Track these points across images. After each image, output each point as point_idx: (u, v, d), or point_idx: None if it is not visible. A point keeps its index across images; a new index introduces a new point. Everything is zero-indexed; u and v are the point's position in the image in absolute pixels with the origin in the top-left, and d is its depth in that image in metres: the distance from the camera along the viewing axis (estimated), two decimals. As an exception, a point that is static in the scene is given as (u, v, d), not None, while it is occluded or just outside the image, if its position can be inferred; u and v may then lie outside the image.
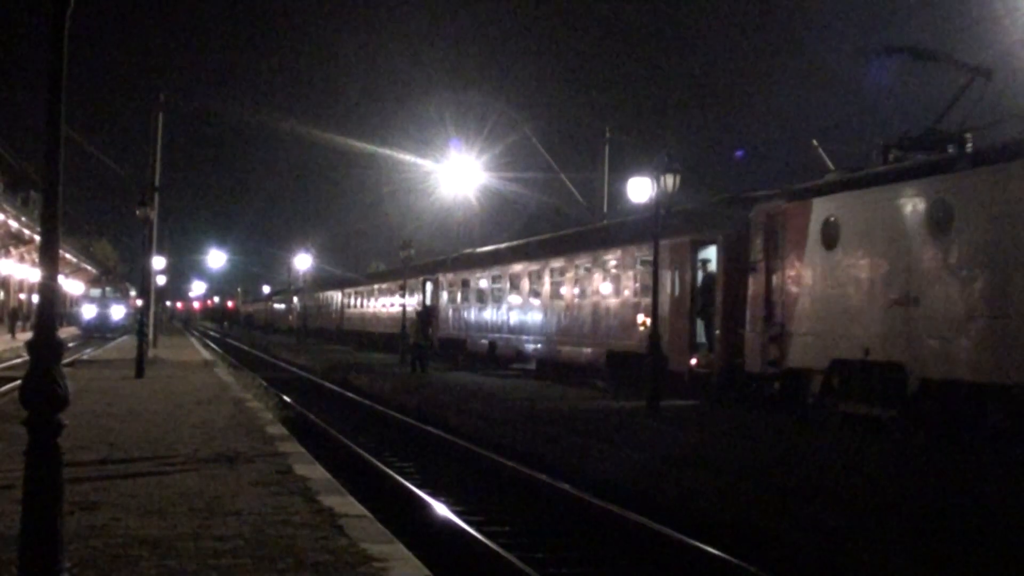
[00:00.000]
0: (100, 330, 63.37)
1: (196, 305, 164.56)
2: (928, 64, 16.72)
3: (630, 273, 24.03)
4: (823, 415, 16.34)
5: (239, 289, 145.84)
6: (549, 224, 40.73)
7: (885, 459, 12.90)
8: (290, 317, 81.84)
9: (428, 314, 34.17)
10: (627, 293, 24.12)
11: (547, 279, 29.09)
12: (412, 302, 39.31)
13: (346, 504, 8.70)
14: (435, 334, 35.87)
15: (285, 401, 22.45)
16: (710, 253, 21.12)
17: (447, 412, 20.43)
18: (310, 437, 16.06)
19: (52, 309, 5.42)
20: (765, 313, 18.03)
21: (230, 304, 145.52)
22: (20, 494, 5.29)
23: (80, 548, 6.66)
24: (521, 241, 36.39)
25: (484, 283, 34.76)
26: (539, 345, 29.40)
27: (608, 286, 25.30)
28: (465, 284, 36.68)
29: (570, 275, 27.60)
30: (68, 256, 61.25)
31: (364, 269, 71.92)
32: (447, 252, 43.42)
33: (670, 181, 18.43)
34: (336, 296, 63.99)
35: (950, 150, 15.41)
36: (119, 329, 64.01)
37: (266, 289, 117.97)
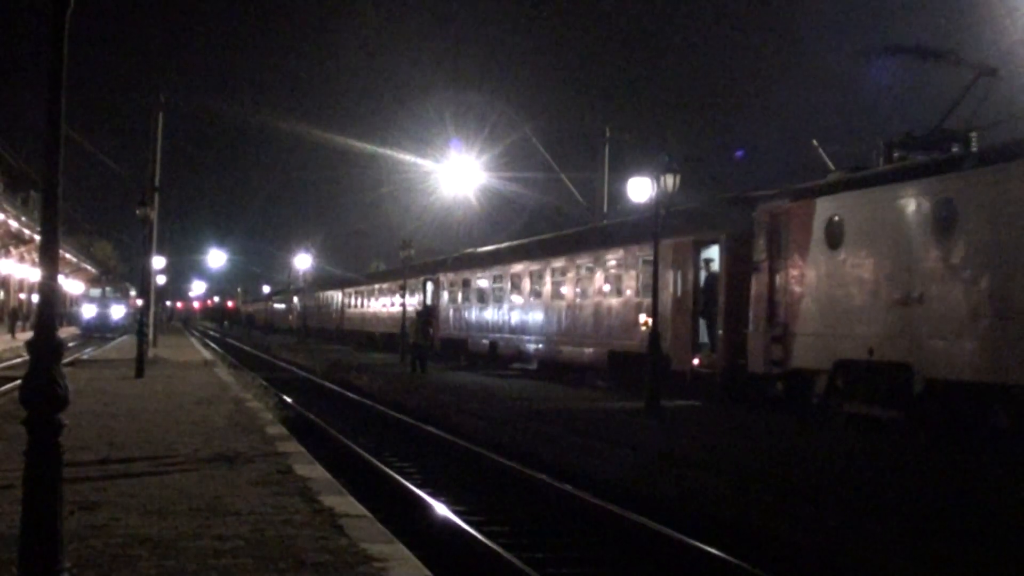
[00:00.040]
0: (100, 330, 63.43)
1: (196, 305, 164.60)
2: (931, 63, 16.66)
3: (632, 273, 23.99)
4: (827, 416, 16.30)
5: (239, 289, 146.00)
6: (549, 224, 40.76)
7: (888, 459, 12.86)
8: (290, 317, 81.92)
9: (428, 314, 34.16)
10: (629, 293, 24.08)
11: (548, 279, 29.04)
12: (412, 302, 39.29)
13: (346, 504, 8.68)
14: (436, 334, 35.85)
15: (285, 401, 22.43)
16: (713, 253, 21.08)
17: (447, 412, 20.41)
18: (310, 437, 16.04)
19: (52, 309, 5.39)
20: (768, 313, 17.98)
21: (230, 304, 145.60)
22: (20, 494, 5.27)
23: (80, 548, 6.64)
24: (522, 241, 36.37)
25: (485, 283, 34.73)
26: (540, 345, 29.37)
27: (609, 286, 25.28)
28: (466, 284, 36.66)
29: (571, 275, 27.56)
30: (68, 256, 61.23)
31: (364, 269, 71.92)
32: (447, 252, 43.41)
33: (670, 181, 18.41)
34: (336, 296, 63.99)
35: (955, 149, 15.36)
36: (119, 329, 64.07)
37: (266, 289, 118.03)
